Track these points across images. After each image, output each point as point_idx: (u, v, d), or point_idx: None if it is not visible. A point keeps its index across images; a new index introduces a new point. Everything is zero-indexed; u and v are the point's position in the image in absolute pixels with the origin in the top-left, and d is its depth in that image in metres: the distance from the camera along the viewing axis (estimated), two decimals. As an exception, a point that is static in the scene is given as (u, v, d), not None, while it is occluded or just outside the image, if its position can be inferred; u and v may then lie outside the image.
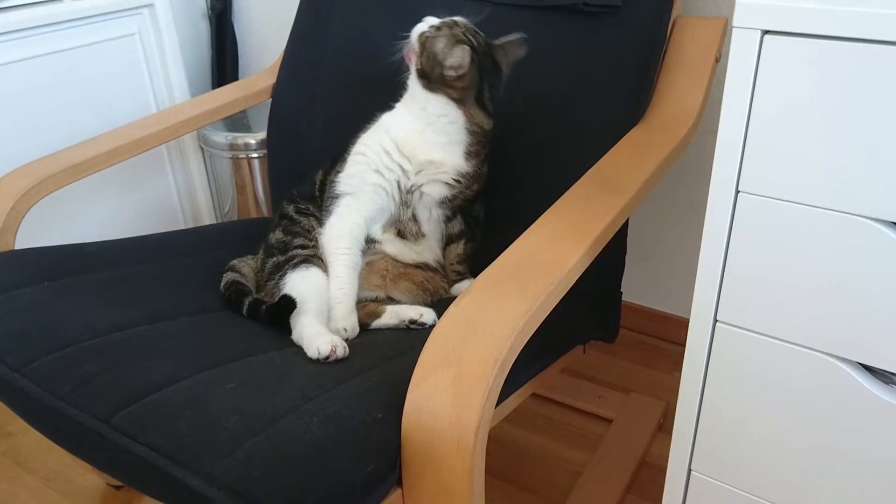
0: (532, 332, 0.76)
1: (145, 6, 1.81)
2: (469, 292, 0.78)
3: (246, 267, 1.19)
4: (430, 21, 1.09)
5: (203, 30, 2.12)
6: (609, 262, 1.09)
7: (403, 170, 1.11)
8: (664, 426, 1.51)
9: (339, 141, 1.21)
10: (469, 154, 1.11)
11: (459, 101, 1.09)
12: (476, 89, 1.10)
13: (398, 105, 1.14)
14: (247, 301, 1.07)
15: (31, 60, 1.62)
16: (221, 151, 1.93)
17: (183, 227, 2.04)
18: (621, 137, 1.13)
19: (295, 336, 0.99)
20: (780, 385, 0.73)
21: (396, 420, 0.73)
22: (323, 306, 1.04)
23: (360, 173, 1.12)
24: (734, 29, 0.62)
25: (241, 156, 1.93)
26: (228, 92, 1.47)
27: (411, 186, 1.11)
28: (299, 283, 1.06)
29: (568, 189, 1.00)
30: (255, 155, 1.91)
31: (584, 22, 1.23)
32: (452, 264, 1.20)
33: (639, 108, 1.19)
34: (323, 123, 1.44)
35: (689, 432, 0.81)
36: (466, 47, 1.05)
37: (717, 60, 1.20)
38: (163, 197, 1.99)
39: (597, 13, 1.21)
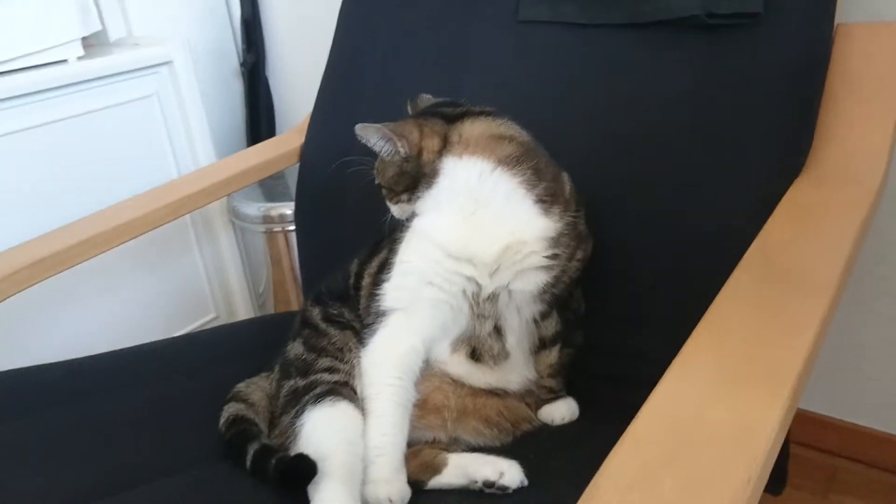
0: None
1: (164, 64, 1.57)
2: (593, 501, 0.43)
3: (257, 392, 0.87)
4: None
5: (235, 87, 1.88)
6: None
7: (468, 277, 0.78)
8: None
9: (379, 216, 0.91)
10: (544, 201, 0.78)
11: (452, 145, 0.79)
12: (437, 117, 0.82)
13: (424, 214, 0.83)
14: (251, 450, 0.75)
15: (37, 129, 1.39)
16: (253, 225, 1.66)
17: (213, 312, 1.77)
18: (773, 195, 0.78)
19: (312, 516, 0.66)
20: None
21: None
22: (355, 462, 0.72)
23: (409, 286, 0.81)
24: None
25: (276, 229, 1.65)
26: (246, 157, 1.19)
27: (491, 294, 0.79)
28: (322, 426, 0.74)
29: (699, 272, 0.66)
30: (291, 227, 1.62)
31: (708, 40, 0.90)
32: (542, 378, 0.87)
33: (797, 154, 0.84)
34: (359, 192, 1.13)
35: None
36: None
37: (907, 81, 0.84)
38: (189, 278, 1.72)
39: (726, 27, 0.88)
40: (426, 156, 0.79)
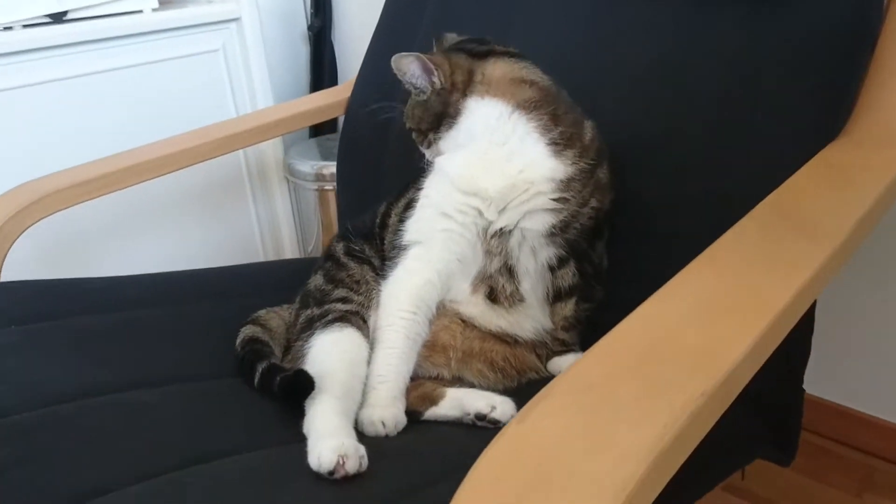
0: (663, 485, 0.41)
1: (232, 20, 1.63)
2: (548, 398, 0.44)
3: (275, 319, 0.91)
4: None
5: (301, 50, 1.93)
6: (788, 342, 0.71)
7: (479, 211, 0.80)
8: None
9: (415, 166, 0.93)
10: (557, 144, 0.78)
11: (475, 84, 0.81)
12: (463, 53, 0.84)
13: (446, 154, 0.86)
14: (260, 367, 0.79)
15: (110, 72, 1.47)
16: (306, 182, 1.71)
17: (263, 265, 1.83)
18: (806, 156, 0.76)
19: (305, 427, 0.69)
20: None
21: None
22: (353, 383, 0.74)
23: (427, 218, 0.84)
24: None
25: (327, 187, 1.69)
26: (296, 104, 1.23)
27: (500, 230, 0.80)
28: (327, 348, 0.76)
29: (724, 231, 0.64)
30: (342, 186, 1.66)
31: (752, 2, 0.87)
32: (555, 330, 0.86)
33: (835, 118, 0.81)
34: (399, 147, 1.15)
35: None
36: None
37: (964, 49, 0.80)
38: (243, 231, 1.78)
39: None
40: (454, 92, 0.82)
